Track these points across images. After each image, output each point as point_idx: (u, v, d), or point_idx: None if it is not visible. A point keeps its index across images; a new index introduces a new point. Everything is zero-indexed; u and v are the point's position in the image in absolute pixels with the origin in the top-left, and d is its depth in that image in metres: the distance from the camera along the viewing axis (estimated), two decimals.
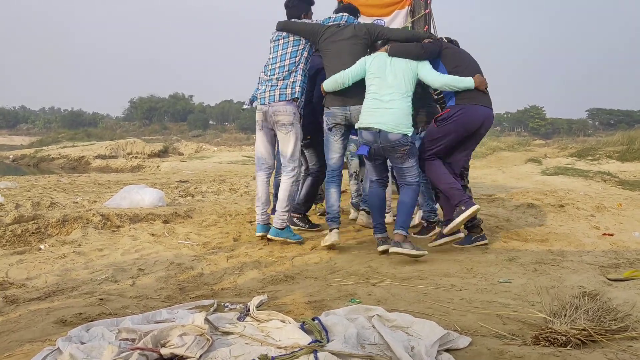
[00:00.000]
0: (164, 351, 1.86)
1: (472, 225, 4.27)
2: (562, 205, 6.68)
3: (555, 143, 28.57)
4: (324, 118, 4.24)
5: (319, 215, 5.78)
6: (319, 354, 1.81)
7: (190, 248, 4.14)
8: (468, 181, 4.52)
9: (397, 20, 7.67)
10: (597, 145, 20.65)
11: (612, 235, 5.00)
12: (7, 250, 3.90)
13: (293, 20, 4.35)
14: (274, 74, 4.26)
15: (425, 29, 7.67)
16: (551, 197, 7.38)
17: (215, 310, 2.49)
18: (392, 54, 3.94)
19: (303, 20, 4.36)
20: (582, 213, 6.29)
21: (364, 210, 4.78)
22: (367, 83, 3.96)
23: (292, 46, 4.27)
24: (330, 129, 4.19)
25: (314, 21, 4.35)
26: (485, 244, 4.27)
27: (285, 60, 4.26)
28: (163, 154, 22.85)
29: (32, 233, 4.32)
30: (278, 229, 4.24)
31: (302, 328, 2.13)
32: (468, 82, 3.89)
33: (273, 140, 4.45)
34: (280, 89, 4.19)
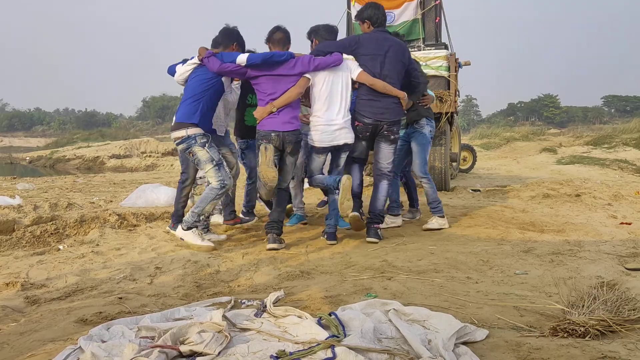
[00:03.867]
0: (183, 348, 1.89)
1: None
2: (578, 194, 6.62)
3: (570, 132, 28.28)
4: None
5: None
6: (337, 349, 1.82)
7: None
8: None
9: (407, 12, 7.63)
10: (613, 133, 20.38)
11: (629, 224, 4.94)
12: (27, 251, 3.97)
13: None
14: None
15: (436, 20, 7.61)
16: (567, 186, 7.31)
17: (232, 307, 2.52)
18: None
19: None
20: (598, 202, 6.23)
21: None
22: None
23: None
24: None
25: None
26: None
27: None
28: (176, 152, 22.97)
29: (51, 234, 4.39)
30: None
31: (319, 323, 2.14)
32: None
33: None
34: None
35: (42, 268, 3.50)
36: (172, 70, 4.26)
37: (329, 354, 1.82)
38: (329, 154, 4.31)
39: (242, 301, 2.63)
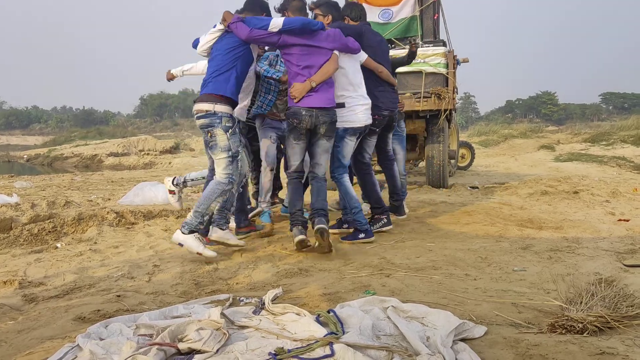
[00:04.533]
0: (182, 346, 1.89)
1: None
2: (576, 191, 6.62)
3: (568, 129, 28.31)
4: None
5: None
6: (335, 346, 1.82)
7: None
8: None
9: (406, 9, 7.62)
10: (611, 130, 20.42)
11: (627, 220, 4.95)
12: (25, 249, 3.96)
13: None
14: None
15: (435, 17, 7.60)
16: (565, 183, 7.32)
17: (230, 305, 2.51)
18: None
19: None
20: (596, 199, 6.23)
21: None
22: None
23: None
24: None
25: None
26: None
27: None
28: (174, 150, 22.97)
29: (49, 232, 4.38)
30: None
31: (318, 320, 2.14)
32: None
33: None
34: None
35: (40, 266, 3.49)
36: (196, 44, 3.80)
37: (328, 351, 1.82)
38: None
39: (241, 299, 2.63)
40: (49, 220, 4.54)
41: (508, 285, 2.85)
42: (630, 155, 14.85)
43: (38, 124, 72.85)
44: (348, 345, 1.82)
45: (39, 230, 4.34)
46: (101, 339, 2.00)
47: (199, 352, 1.86)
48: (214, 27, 3.65)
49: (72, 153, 22.50)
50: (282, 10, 3.93)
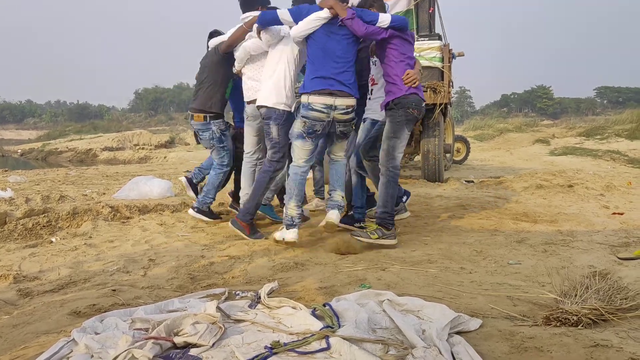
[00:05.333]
0: (178, 340, 1.88)
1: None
2: (571, 185, 6.65)
3: (563, 123, 28.39)
4: None
5: None
6: (331, 340, 1.83)
7: (200, 237, 4.16)
8: None
9: (401, 2, 7.59)
10: (605, 124, 20.48)
11: (622, 214, 4.98)
12: (20, 244, 3.94)
13: None
14: None
15: (430, 11, 7.59)
16: (560, 177, 7.34)
17: (226, 299, 2.51)
18: None
19: None
20: (591, 193, 6.26)
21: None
22: None
23: None
24: None
25: None
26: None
27: None
28: (170, 144, 22.88)
29: (43, 226, 4.36)
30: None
31: (314, 314, 2.14)
32: None
33: None
34: None
35: (35, 261, 3.48)
36: (271, 18, 3.72)
37: (323, 344, 1.83)
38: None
39: (236, 292, 2.63)
40: (43, 215, 4.52)
41: (503, 278, 2.86)
42: (624, 149, 14.90)
43: (32, 118, 72.37)
44: (344, 338, 1.82)
45: (33, 225, 4.32)
46: (97, 333, 2.00)
47: (194, 346, 1.86)
48: (307, 12, 3.60)
49: (67, 147, 22.36)
50: (366, 5, 3.86)
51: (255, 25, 3.90)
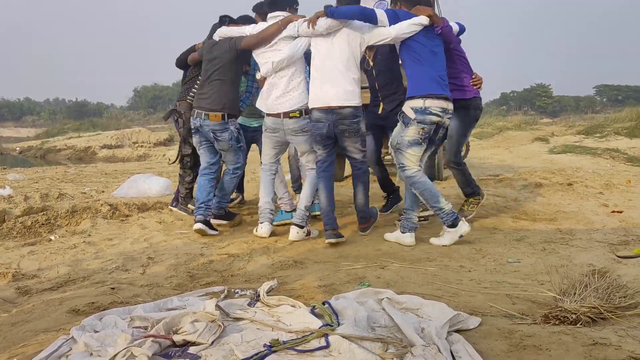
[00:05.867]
0: (177, 338, 1.88)
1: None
2: (570, 183, 6.64)
3: (562, 121, 28.31)
4: None
5: None
6: (330, 338, 1.83)
7: (199, 235, 4.16)
8: None
9: None
10: (605, 122, 20.44)
11: (621, 212, 4.98)
12: (18, 242, 3.94)
13: None
14: None
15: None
16: (559, 175, 7.34)
17: (225, 297, 2.51)
18: None
19: None
20: (590, 191, 6.26)
21: None
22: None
23: None
24: None
25: None
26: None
27: None
28: (169, 142, 22.84)
29: (42, 224, 4.36)
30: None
31: (313, 312, 2.14)
32: None
33: None
34: None
35: (34, 259, 3.48)
36: (372, 14, 3.59)
37: (323, 342, 1.83)
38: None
39: (236, 291, 2.63)
40: (42, 213, 4.52)
41: (502, 276, 2.87)
42: (623, 147, 14.89)
43: (30, 116, 72.19)
44: (343, 336, 1.82)
45: (32, 223, 4.31)
46: (96, 332, 2.00)
47: (193, 344, 1.86)
48: (403, 16, 3.62)
49: (65, 145, 22.32)
50: (416, 3, 3.78)
51: (318, 13, 3.65)
